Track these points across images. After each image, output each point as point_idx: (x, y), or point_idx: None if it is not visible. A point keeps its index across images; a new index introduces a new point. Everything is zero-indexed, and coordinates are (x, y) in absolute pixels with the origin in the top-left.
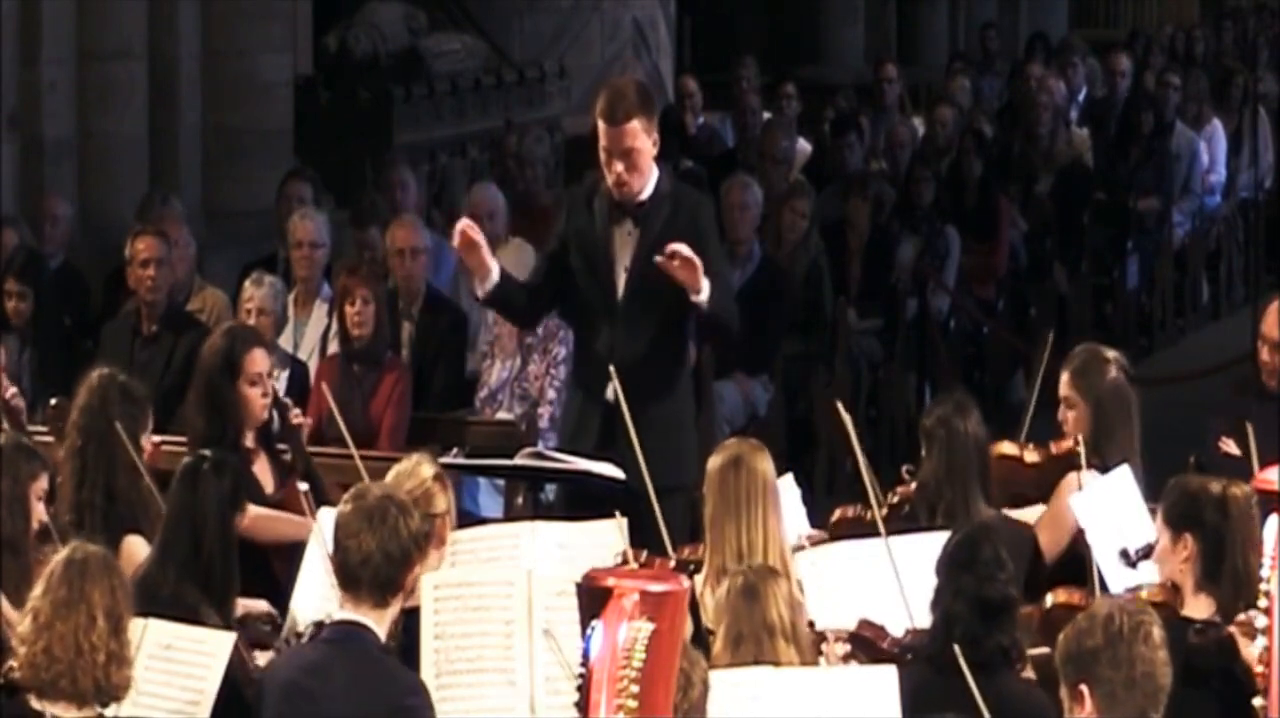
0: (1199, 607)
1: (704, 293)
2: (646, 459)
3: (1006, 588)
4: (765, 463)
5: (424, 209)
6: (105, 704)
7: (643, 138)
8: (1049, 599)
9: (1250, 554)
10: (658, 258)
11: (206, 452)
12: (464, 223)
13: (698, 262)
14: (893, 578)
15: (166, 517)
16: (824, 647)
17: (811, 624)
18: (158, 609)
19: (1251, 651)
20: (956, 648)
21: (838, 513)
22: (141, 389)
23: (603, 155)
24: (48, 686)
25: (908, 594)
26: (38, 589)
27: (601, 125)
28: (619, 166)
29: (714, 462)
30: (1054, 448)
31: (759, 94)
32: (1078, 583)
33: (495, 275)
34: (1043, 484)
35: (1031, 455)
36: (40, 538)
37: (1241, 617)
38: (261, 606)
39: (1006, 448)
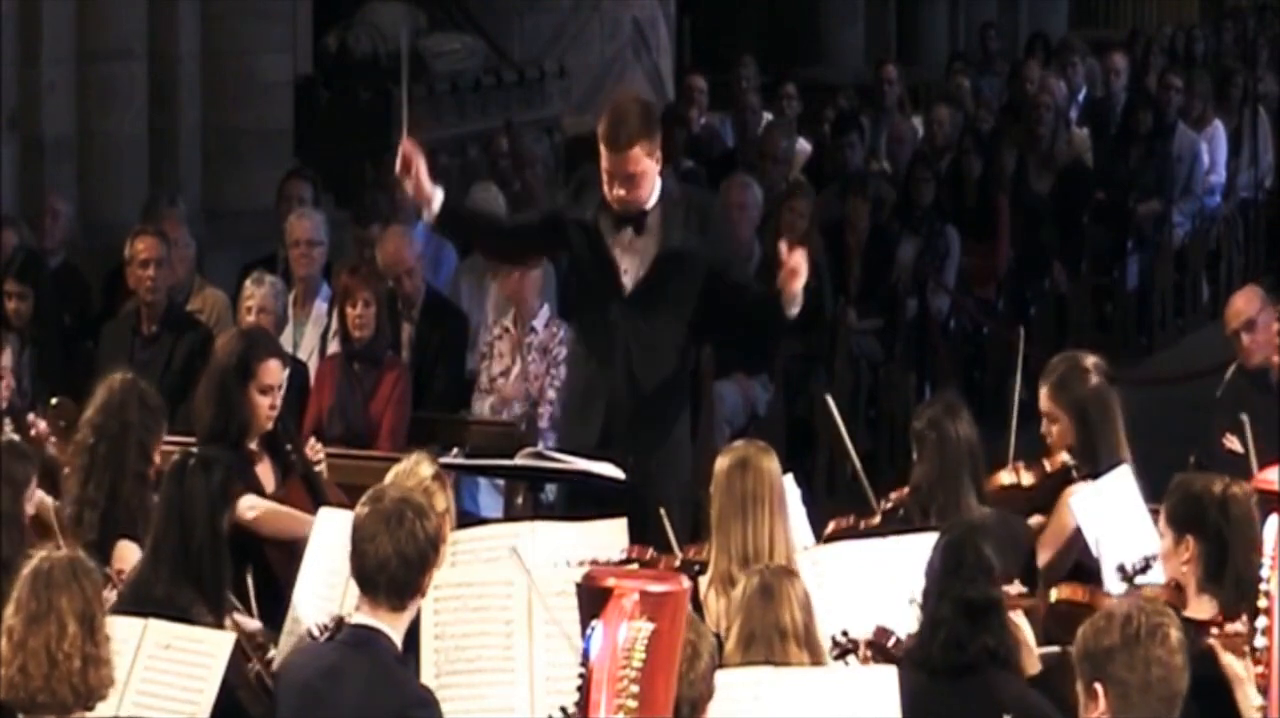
0: (1202, 608)
1: (796, 306)
2: (649, 458)
3: (991, 589)
4: (772, 465)
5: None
6: (90, 707)
7: (645, 161)
8: (1053, 594)
9: (1252, 556)
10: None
11: (194, 450)
12: (405, 146)
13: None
14: (894, 578)
15: (156, 514)
16: (856, 656)
17: (846, 634)
18: (151, 610)
19: (1233, 664)
20: (965, 648)
21: (832, 525)
22: (159, 400)
23: (605, 177)
24: (28, 703)
25: (909, 594)
26: (10, 608)
27: (603, 148)
28: (620, 191)
29: (721, 463)
30: (1047, 465)
31: (759, 94)
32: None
33: (439, 195)
34: (1041, 503)
35: (1027, 478)
36: (40, 534)
37: (1229, 628)
38: (253, 624)
39: (1003, 478)
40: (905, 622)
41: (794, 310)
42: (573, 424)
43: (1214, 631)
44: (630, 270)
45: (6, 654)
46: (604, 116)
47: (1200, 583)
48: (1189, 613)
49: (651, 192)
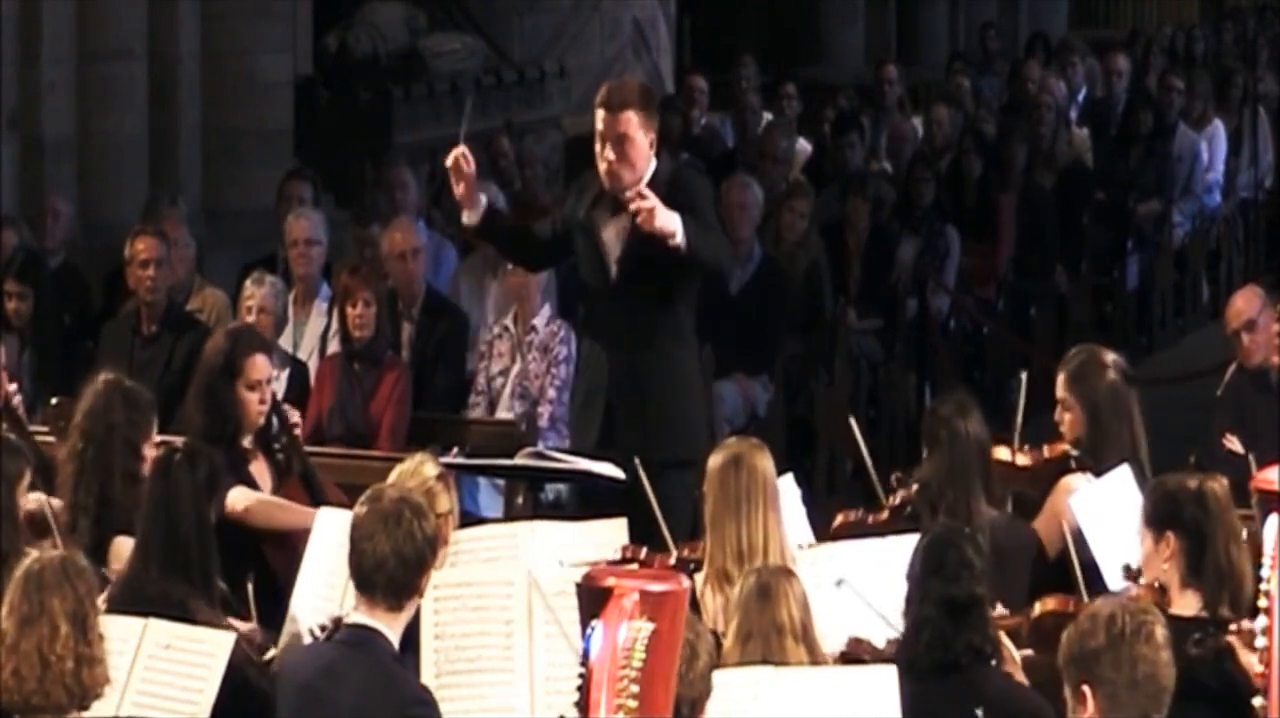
0: (1186, 603)
1: (678, 235)
2: (653, 438)
3: (973, 587)
4: (765, 462)
5: (424, 209)
6: (85, 707)
7: (637, 130)
8: (1037, 607)
9: (1232, 547)
10: (633, 207)
11: (178, 444)
12: (460, 150)
13: (655, 202)
14: (894, 578)
15: (143, 510)
16: None
17: None
18: (146, 608)
19: (1251, 660)
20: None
21: (839, 518)
22: (146, 396)
23: (597, 144)
24: (23, 705)
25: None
26: (3, 611)
27: (599, 113)
28: (610, 154)
29: (714, 461)
30: (1047, 451)
31: (759, 94)
32: (1067, 588)
33: (483, 202)
34: (1035, 487)
35: (1024, 459)
36: (37, 534)
37: (1242, 624)
38: (249, 629)
39: (999, 454)
40: (888, 627)
41: (677, 239)
42: (577, 419)
43: (1232, 628)
44: (618, 255)
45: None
46: (604, 87)
47: (1183, 579)
48: (1174, 610)
49: (641, 172)
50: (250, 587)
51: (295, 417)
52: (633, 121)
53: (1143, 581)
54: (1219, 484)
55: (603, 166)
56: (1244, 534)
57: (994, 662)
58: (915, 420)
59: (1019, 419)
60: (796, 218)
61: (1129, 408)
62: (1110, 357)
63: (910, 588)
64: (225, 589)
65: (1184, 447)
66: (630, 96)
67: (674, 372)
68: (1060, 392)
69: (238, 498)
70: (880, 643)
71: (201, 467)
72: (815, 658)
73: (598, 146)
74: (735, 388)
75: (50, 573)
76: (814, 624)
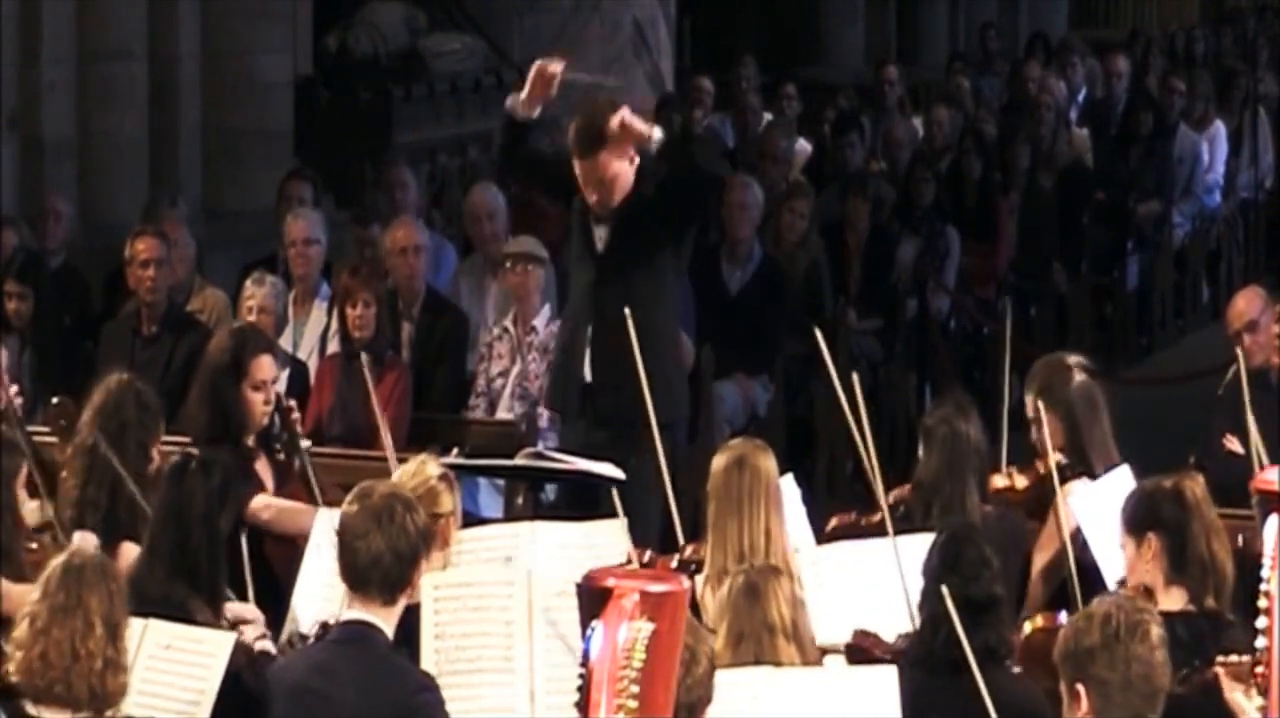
0: (1172, 600)
1: (654, 138)
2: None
3: (992, 587)
4: (769, 463)
5: (424, 209)
6: (100, 711)
7: (615, 164)
8: (1026, 627)
9: (1213, 540)
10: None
11: (194, 451)
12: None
13: (627, 116)
14: (894, 579)
15: (153, 515)
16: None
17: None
18: (148, 609)
19: (1237, 697)
20: (963, 644)
21: (835, 520)
22: (155, 400)
23: (580, 182)
24: (43, 692)
25: (910, 595)
26: (35, 594)
27: (575, 160)
28: (594, 196)
29: (718, 462)
30: (1040, 467)
31: (759, 94)
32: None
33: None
34: (1037, 505)
35: (1021, 481)
36: (37, 529)
37: (1229, 658)
38: (250, 612)
39: (997, 482)
40: (902, 622)
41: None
42: (556, 378)
43: (1219, 659)
44: (602, 238)
45: (26, 639)
46: (573, 124)
47: (1167, 577)
48: (1162, 607)
49: (630, 185)
50: (249, 581)
51: (292, 405)
52: (608, 162)
53: (1128, 585)
54: (1194, 482)
55: (591, 201)
56: (1223, 530)
57: (1007, 663)
58: (915, 421)
59: (1004, 425)
60: (796, 218)
61: (1100, 403)
62: (1072, 359)
63: (926, 583)
64: (233, 598)
65: (1184, 447)
66: (598, 137)
67: (654, 333)
68: (1030, 411)
69: (260, 505)
70: (889, 637)
71: (215, 476)
72: (806, 657)
73: (581, 184)
74: (735, 388)
75: (90, 571)
76: (804, 622)
